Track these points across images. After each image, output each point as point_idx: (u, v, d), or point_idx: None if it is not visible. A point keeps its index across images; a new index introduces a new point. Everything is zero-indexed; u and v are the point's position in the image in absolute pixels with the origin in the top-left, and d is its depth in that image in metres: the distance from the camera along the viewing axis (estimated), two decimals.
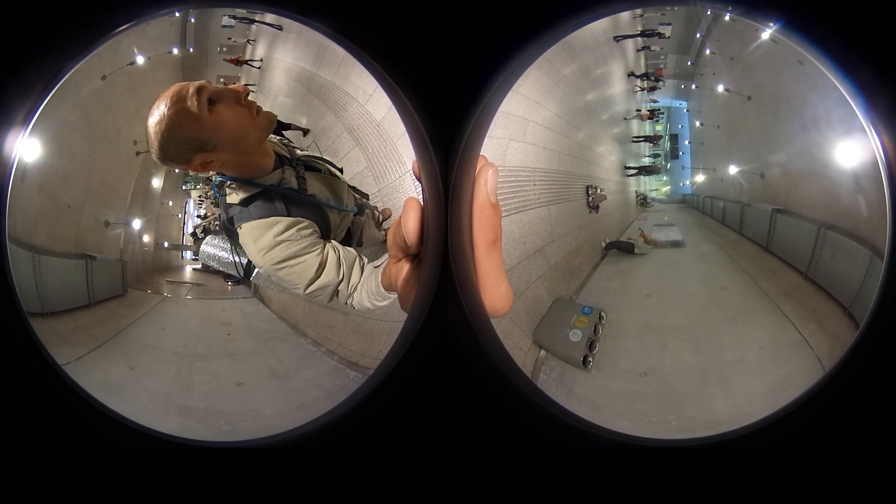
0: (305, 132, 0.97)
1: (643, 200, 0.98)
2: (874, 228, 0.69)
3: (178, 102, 0.75)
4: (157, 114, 0.75)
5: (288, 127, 0.96)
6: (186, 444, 0.67)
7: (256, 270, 0.92)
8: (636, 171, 1.02)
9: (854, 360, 0.64)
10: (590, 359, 0.87)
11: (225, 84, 0.86)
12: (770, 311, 0.82)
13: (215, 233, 0.92)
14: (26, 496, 0.64)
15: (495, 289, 0.61)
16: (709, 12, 0.81)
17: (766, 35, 0.75)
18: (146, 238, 0.86)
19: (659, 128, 0.98)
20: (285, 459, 0.68)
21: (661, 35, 0.93)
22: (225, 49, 0.90)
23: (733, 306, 0.86)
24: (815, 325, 0.77)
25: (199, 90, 0.75)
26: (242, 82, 0.93)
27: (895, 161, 0.64)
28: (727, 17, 0.81)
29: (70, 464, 0.65)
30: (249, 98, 0.81)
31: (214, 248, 0.92)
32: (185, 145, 0.77)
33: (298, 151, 0.95)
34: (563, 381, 0.87)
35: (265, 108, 0.84)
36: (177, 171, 0.88)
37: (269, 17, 0.91)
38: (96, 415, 0.66)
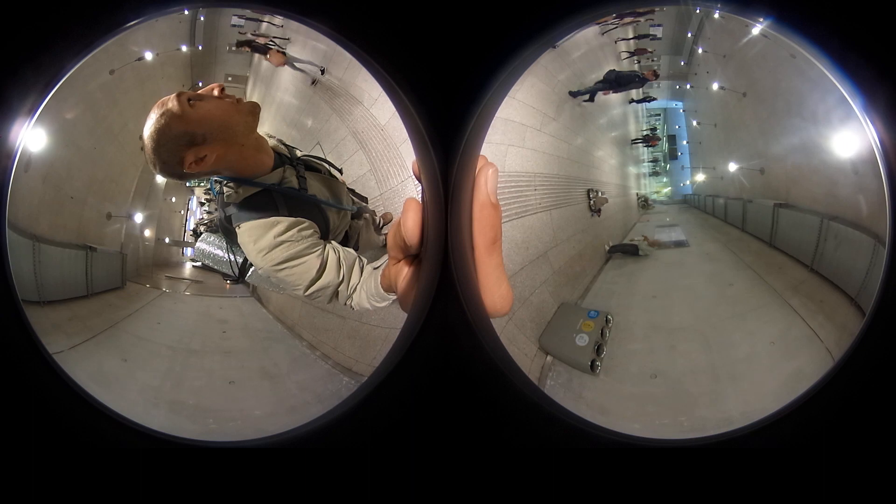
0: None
1: (644, 202, 0.98)
2: (875, 216, 0.69)
3: (161, 107, 0.79)
4: (147, 124, 0.79)
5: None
6: (174, 440, 0.67)
7: (252, 270, 0.92)
8: None
9: (862, 348, 0.64)
10: (598, 363, 0.86)
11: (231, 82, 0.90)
12: (778, 305, 0.81)
13: (212, 231, 0.93)
14: (9, 485, 0.64)
15: (495, 289, 0.61)
16: (697, 10, 0.82)
17: (756, 31, 0.76)
18: (147, 232, 0.86)
19: (657, 130, 0.98)
20: (275, 462, 0.67)
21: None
22: (233, 49, 0.92)
23: (741, 303, 0.85)
24: (823, 318, 0.76)
25: (178, 95, 0.80)
26: (249, 88, 0.96)
27: (891, 148, 0.64)
28: (717, 15, 0.82)
29: (57, 455, 0.65)
30: (227, 92, 0.85)
31: (210, 245, 0.93)
32: (174, 143, 0.79)
33: (298, 152, 0.96)
34: (571, 387, 0.85)
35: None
36: (187, 184, 0.90)
37: (277, 21, 0.93)
38: (84, 406, 0.66)
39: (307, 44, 0.96)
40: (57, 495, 0.67)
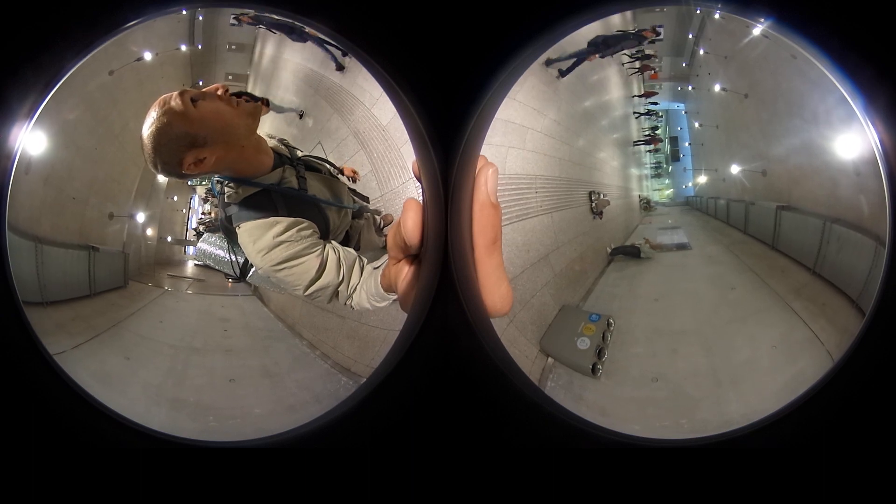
0: (301, 115, 0.99)
1: (646, 204, 0.98)
2: (876, 217, 0.68)
3: (164, 106, 0.79)
4: (148, 122, 0.79)
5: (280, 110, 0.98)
6: (174, 440, 0.67)
7: (253, 270, 0.92)
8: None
9: (862, 349, 0.63)
10: (599, 366, 0.85)
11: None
12: (780, 308, 0.81)
13: (213, 231, 0.93)
14: (9, 485, 0.64)
15: (495, 289, 0.61)
16: (698, 11, 0.82)
17: (757, 31, 0.76)
18: (149, 232, 0.87)
19: (659, 131, 0.98)
20: (275, 462, 0.67)
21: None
22: (234, 47, 0.93)
23: (743, 306, 0.84)
24: (825, 321, 0.76)
25: (181, 93, 0.81)
26: (250, 86, 0.96)
27: (892, 149, 0.64)
28: (717, 16, 0.82)
29: (57, 455, 0.65)
30: (229, 94, 0.86)
31: (211, 246, 0.93)
32: (175, 143, 0.80)
33: (299, 152, 0.96)
34: (572, 389, 0.85)
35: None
36: (189, 182, 0.89)
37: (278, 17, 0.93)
38: (84, 406, 0.66)
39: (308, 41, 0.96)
40: (57, 495, 0.67)
